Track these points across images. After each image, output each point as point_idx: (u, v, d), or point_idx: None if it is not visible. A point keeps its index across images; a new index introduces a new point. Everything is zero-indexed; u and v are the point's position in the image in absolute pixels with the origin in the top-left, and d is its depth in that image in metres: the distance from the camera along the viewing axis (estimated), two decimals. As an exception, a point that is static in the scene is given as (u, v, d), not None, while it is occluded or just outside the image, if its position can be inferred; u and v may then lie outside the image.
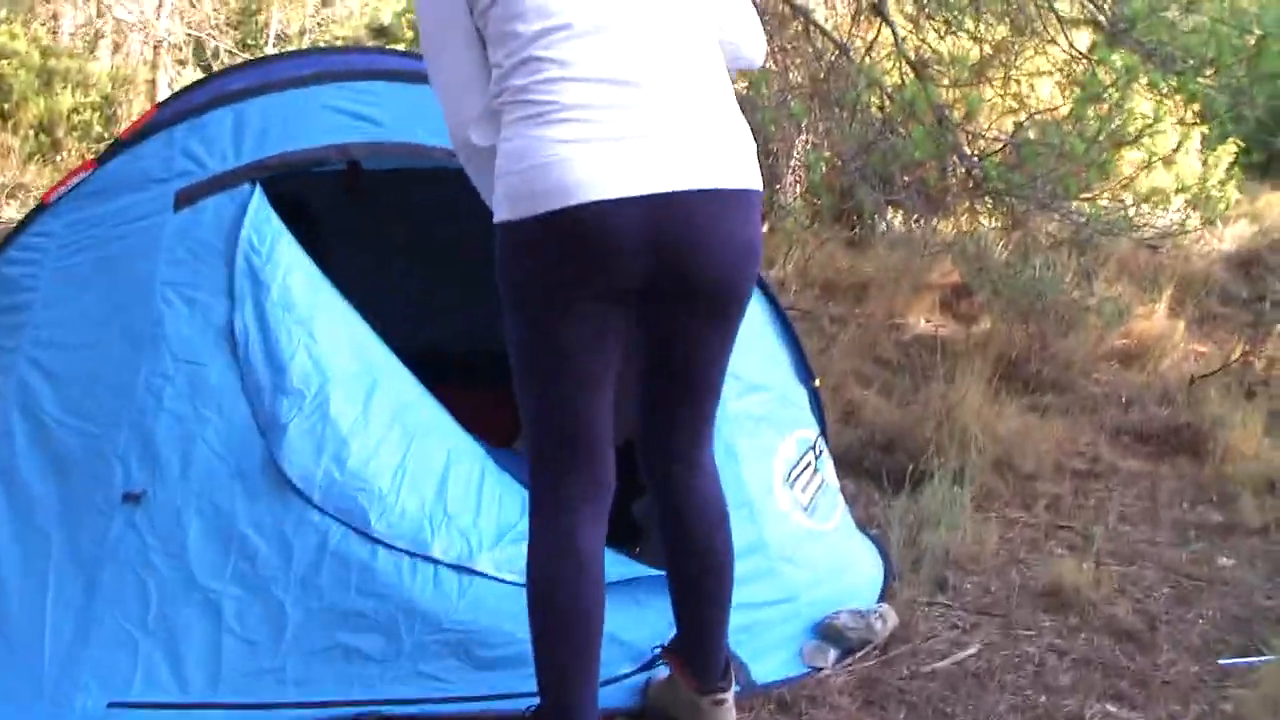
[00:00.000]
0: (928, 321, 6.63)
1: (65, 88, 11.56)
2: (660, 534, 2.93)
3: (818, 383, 3.96)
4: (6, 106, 10.72)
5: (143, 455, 3.05)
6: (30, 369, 3.10)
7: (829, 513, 3.79)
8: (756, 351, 3.73)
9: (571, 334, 2.51)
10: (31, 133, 10.85)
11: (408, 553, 3.07)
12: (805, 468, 3.79)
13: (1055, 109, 6.21)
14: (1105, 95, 5.52)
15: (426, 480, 3.15)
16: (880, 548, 3.99)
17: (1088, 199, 6.22)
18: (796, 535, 3.59)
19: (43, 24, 13.89)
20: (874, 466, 4.83)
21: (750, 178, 2.56)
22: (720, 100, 2.57)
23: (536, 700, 2.75)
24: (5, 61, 10.88)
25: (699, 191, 2.45)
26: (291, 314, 3.14)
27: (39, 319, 3.12)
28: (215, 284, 3.15)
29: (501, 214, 2.48)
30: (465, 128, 2.60)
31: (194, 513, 3.03)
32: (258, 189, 3.22)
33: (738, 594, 3.28)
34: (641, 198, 2.39)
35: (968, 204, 6.67)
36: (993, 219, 7.16)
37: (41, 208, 3.16)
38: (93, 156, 3.21)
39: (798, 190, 7.69)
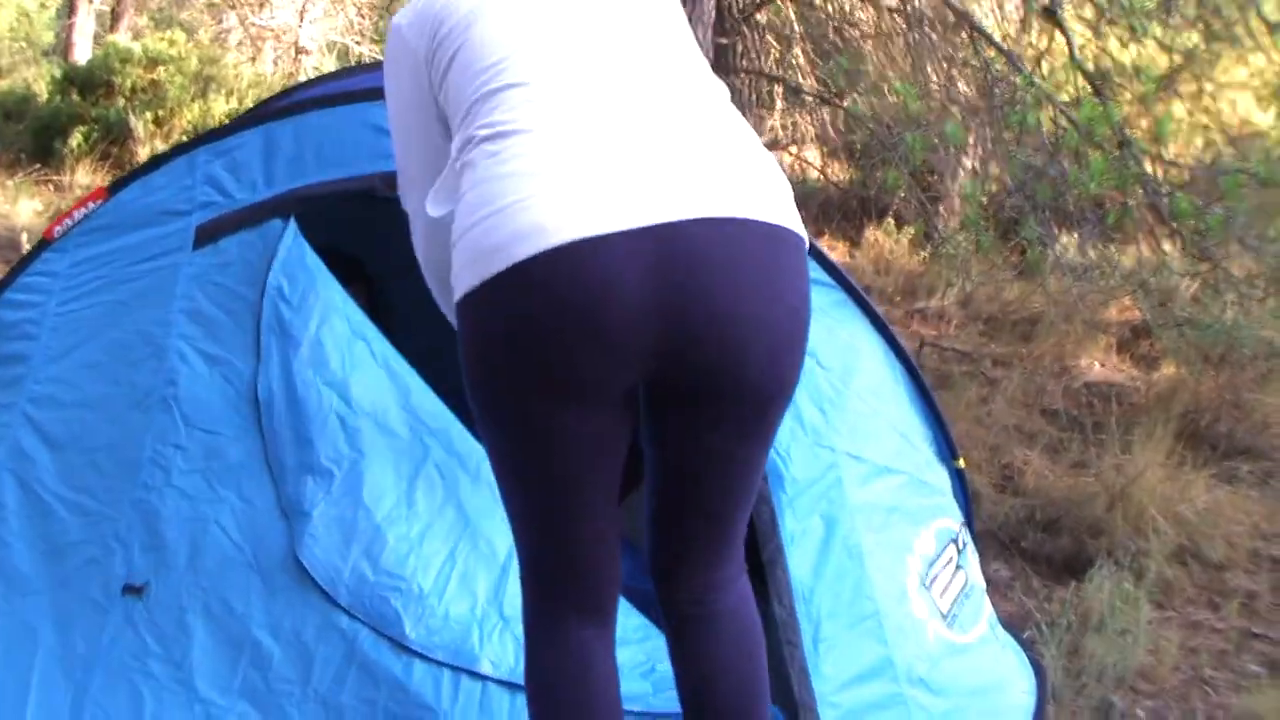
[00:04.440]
0: (1102, 366, 5.90)
1: (220, 93, 11.37)
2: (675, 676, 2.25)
3: (961, 463, 3.33)
4: (161, 113, 10.54)
5: (147, 539, 2.60)
6: (27, 431, 2.66)
7: (972, 620, 3.16)
8: (885, 423, 3.15)
9: (557, 450, 1.95)
10: (185, 139, 10.64)
11: (449, 666, 2.57)
12: (946, 564, 3.16)
13: (1257, 130, 5.42)
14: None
15: (481, 575, 2.65)
16: (1034, 662, 3.33)
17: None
18: (932, 652, 2.97)
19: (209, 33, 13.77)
20: (1034, 548, 4.17)
21: (789, 216, 1.95)
22: (735, 130, 2.01)
23: None
24: (162, 68, 10.69)
25: (720, 220, 1.85)
26: (322, 375, 2.66)
27: (39, 373, 2.67)
28: (239, 339, 2.69)
29: (459, 288, 1.91)
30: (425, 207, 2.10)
31: (200, 611, 2.58)
32: (291, 225, 2.74)
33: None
34: (641, 230, 1.81)
35: (1150, 231, 5.93)
36: (1178, 249, 6.40)
37: (45, 243, 2.71)
38: (103, 185, 2.75)
39: (958, 218, 7.02)
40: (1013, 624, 3.58)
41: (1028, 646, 3.43)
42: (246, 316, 2.68)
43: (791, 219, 1.96)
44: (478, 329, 1.90)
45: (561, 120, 1.91)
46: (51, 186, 9.40)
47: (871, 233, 7.51)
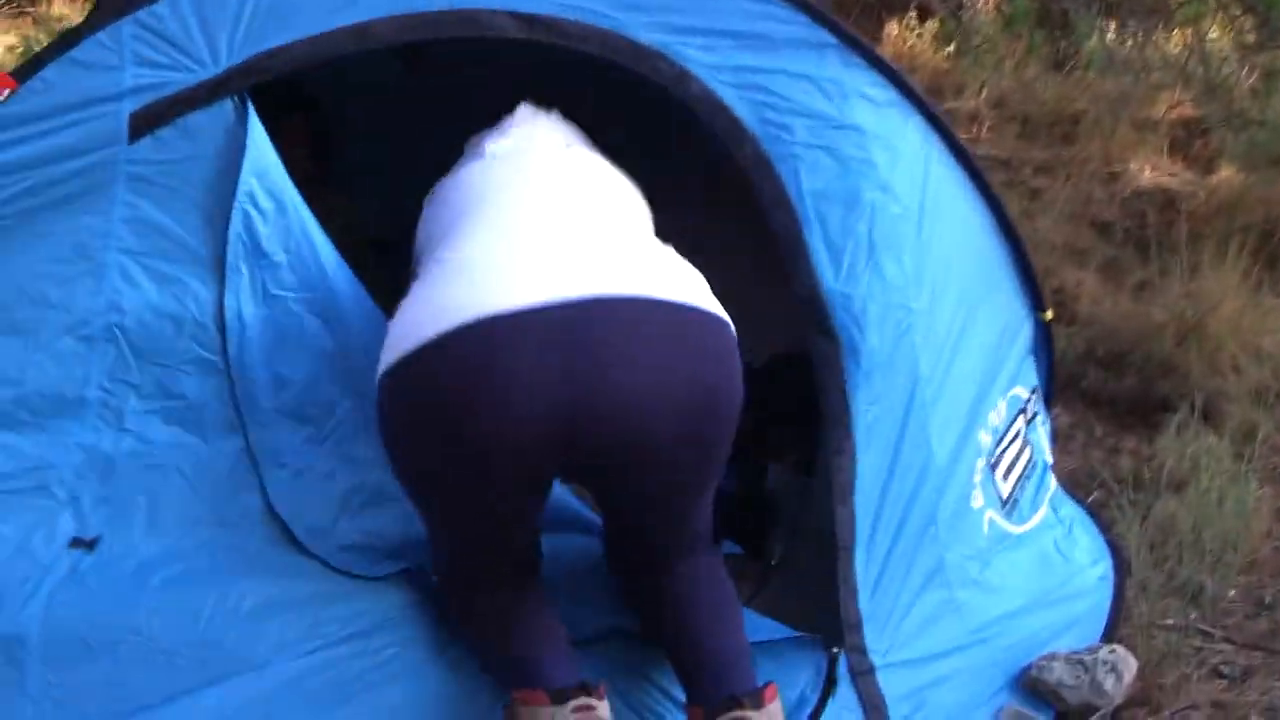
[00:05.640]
0: (1154, 170, 5.41)
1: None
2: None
3: (1048, 315, 2.92)
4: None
5: (99, 492, 2.23)
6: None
7: (1033, 505, 2.83)
8: (963, 270, 2.73)
9: (473, 527, 2.09)
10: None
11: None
12: (1013, 440, 2.81)
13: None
14: None
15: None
16: (1106, 536, 3.00)
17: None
18: (985, 548, 2.67)
19: None
20: (1095, 389, 3.81)
21: (700, 297, 2.03)
22: (654, 247, 2.15)
23: None
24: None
25: (620, 299, 1.94)
26: (308, 299, 2.28)
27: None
28: (194, 251, 2.27)
29: (378, 371, 2.01)
30: None
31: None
32: (251, 112, 2.30)
33: (908, 649, 2.49)
34: (538, 308, 1.89)
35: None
36: (1229, 32, 5.89)
37: None
38: (8, 70, 2.30)
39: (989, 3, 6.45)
40: (1077, 483, 3.26)
41: (1097, 518, 3.10)
42: (201, 226, 2.27)
43: (703, 301, 2.01)
44: (390, 410, 2.00)
45: (493, 243, 2.04)
46: (30, 20, 8.80)
47: (892, 28, 6.93)
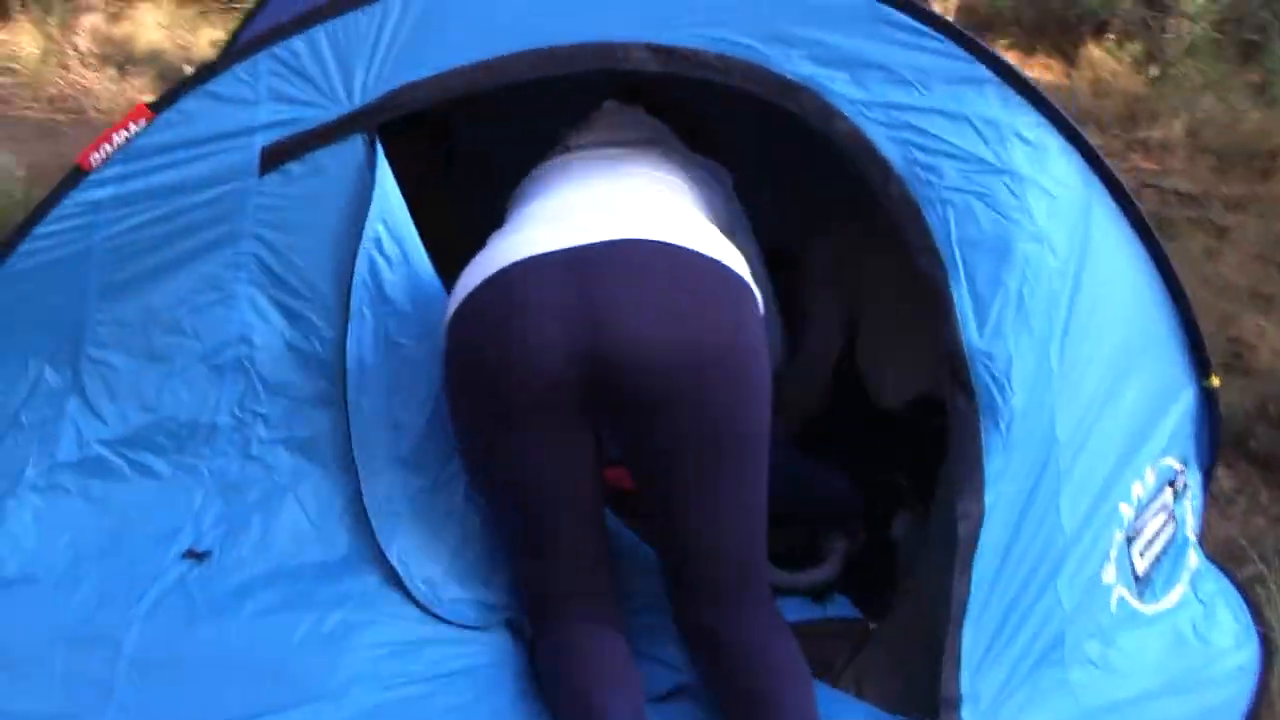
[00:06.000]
0: (1360, 211, 5.11)
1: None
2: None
3: (1215, 381, 2.75)
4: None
5: (220, 512, 2.31)
6: (93, 378, 2.37)
7: (1168, 584, 2.67)
8: (1119, 333, 2.55)
9: (513, 469, 2.13)
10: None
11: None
12: (1158, 512, 2.66)
13: None
14: None
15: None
16: (1251, 610, 2.82)
17: None
18: (1108, 626, 2.52)
19: None
20: (1265, 450, 3.59)
21: (713, 247, 2.09)
22: (691, 213, 2.23)
23: None
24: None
25: (631, 241, 2.05)
26: (429, 347, 2.28)
27: (91, 316, 2.36)
28: (318, 288, 2.33)
29: None
30: None
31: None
32: (379, 153, 2.32)
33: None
34: (553, 254, 2.03)
35: None
36: None
37: (80, 173, 2.32)
38: (147, 100, 2.37)
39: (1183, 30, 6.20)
40: (1232, 555, 3.07)
41: (1248, 596, 2.91)
42: (326, 263, 2.31)
43: (725, 257, 2.09)
44: (445, 374, 2.15)
45: (533, 220, 2.17)
46: (239, 14, 9.07)
47: (1090, 50, 6.70)
